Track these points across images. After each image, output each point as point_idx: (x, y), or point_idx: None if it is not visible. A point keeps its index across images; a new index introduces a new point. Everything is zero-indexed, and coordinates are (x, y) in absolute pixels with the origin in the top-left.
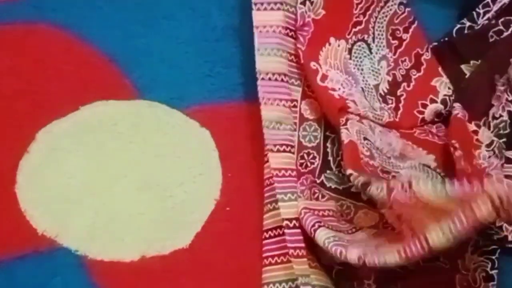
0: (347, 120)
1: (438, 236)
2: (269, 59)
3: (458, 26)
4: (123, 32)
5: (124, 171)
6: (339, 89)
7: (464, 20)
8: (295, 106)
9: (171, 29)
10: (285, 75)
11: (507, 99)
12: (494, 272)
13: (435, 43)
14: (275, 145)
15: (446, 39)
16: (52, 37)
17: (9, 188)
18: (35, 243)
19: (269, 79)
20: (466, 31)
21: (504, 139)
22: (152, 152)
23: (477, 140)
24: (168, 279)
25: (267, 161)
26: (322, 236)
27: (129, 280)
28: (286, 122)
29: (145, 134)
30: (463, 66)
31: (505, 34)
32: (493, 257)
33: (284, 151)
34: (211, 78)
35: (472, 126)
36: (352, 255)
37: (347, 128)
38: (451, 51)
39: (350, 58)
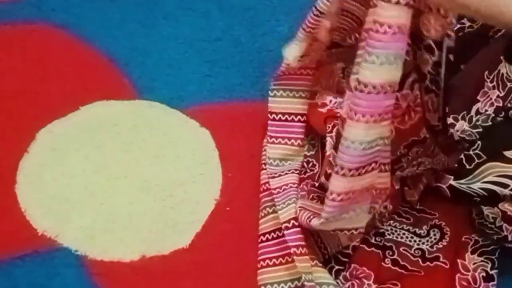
0: (333, 126)
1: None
2: (280, 100)
3: (458, 26)
4: (123, 32)
5: (124, 171)
6: (330, 101)
7: (464, 20)
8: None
9: (171, 29)
10: (296, 114)
11: (498, 95)
12: (494, 272)
13: None
14: (276, 172)
15: None
16: (52, 37)
17: (9, 188)
18: (35, 243)
19: (280, 119)
20: (466, 31)
21: (480, 130)
22: (152, 152)
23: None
24: (168, 279)
25: (264, 169)
26: (316, 221)
27: (129, 280)
28: (292, 158)
29: (145, 134)
30: (462, 67)
31: (499, 33)
32: (493, 257)
33: (286, 174)
34: (211, 78)
35: (449, 120)
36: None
37: (331, 137)
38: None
39: (343, 78)
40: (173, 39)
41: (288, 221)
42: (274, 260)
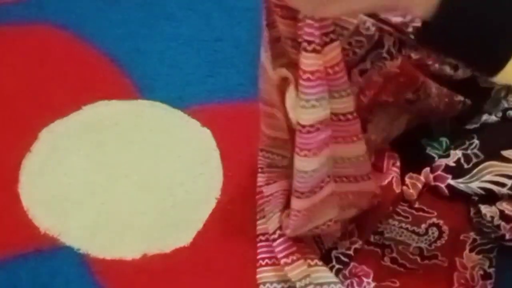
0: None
1: None
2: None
3: None
4: (123, 32)
5: (125, 170)
6: None
7: None
8: None
9: (171, 29)
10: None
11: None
12: (492, 270)
13: None
14: (271, 178)
15: None
16: (53, 37)
17: (11, 187)
18: (37, 241)
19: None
20: None
21: None
22: (153, 151)
23: None
24: (170, 277)
25: (261, 172)
26: (287, 232)
27: (130, 278)
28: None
29: (146, 134)
30: None
31: None
32: (491, 255)
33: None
34: (211, 78)
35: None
36: None
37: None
38: None
39: None
40: (173, 40)
41: (274, 232)
42: (274, 259)
